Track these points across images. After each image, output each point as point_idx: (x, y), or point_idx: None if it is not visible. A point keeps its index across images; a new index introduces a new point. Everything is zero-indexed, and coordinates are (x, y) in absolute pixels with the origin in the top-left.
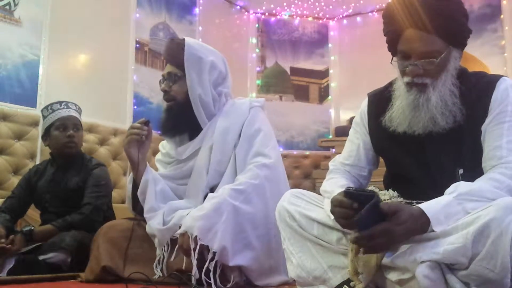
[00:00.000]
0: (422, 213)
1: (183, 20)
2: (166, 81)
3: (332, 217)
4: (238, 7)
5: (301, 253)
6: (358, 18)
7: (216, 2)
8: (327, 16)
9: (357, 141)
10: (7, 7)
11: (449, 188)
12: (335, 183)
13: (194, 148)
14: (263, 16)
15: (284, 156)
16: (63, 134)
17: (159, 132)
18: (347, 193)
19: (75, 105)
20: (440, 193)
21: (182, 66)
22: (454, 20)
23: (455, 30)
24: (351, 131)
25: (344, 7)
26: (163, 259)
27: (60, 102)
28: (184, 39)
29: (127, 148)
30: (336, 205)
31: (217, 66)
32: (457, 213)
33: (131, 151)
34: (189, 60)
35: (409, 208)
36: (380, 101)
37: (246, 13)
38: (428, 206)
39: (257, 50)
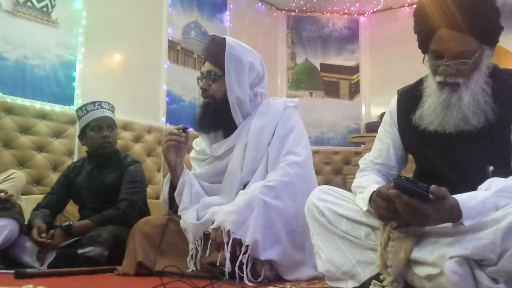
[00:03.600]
0: (458, 206)
1: (214, 19)
2: (205, 79)
3: (365, 208)
4: (269, 4)
5: (330, 248)
6: (389, 13)
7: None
8: (358, 11)
9: (387, 140)
10: (45, 9)
11: (483, 184)
12: (370, 179)
13: (228, 146)
14: (293, 13)
15: (315, 152)
16: (99, 134)
17: (193, 128)
18: (397, 183)
19: (108, 104)
20: (470, 189)
21: (221, 65)
22: (488, 19)
23: (488, 29)
24: (380, 129)
25: (375, 2)
26: (196, 253)
27: (94, 103)
28: (224, 38)
29: (165, 153)
30: (379, 195)
31: (256, 67)
32: (490, 209)
33: (169, 156)
34: (229, 61)
35: (452, 198)
36: (410, 98)
37: (277, 10)
38: (465, 200)
39: (287, 47)
